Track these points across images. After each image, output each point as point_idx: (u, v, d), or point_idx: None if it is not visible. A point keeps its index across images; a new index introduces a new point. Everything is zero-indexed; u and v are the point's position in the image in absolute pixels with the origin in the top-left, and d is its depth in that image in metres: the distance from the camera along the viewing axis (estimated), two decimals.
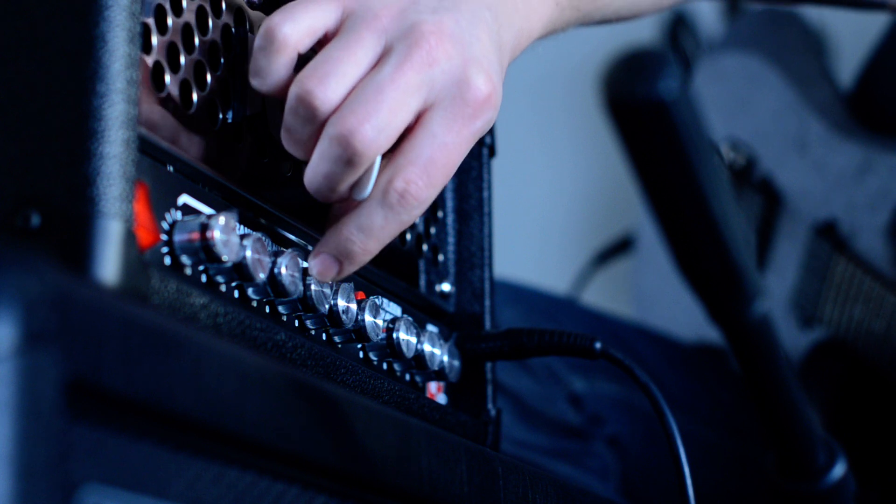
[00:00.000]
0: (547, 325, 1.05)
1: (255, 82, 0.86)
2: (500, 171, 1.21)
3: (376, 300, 0.96)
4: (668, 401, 1.00)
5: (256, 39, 0.86)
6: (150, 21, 0.81)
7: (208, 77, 0.85)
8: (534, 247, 2.65)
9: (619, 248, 2.36)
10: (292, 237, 0.92)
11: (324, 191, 0.86)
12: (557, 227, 2.62)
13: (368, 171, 0.86)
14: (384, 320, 0.97)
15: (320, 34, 0.87)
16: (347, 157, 0.84)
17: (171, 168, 0.81)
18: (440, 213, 1.12)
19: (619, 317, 2.02)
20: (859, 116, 1.91)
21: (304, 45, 0.86)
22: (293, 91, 0.85)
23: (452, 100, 0.87)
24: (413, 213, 0.87)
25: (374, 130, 0.83)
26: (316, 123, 0.85)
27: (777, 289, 1.89)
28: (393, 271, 1.04)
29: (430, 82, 0.86)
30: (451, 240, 1.13)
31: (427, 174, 0.86)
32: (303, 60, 0.86)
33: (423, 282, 1.09)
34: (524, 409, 1.70)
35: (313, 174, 0.85)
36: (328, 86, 0.84)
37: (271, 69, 0.86)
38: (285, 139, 0.86)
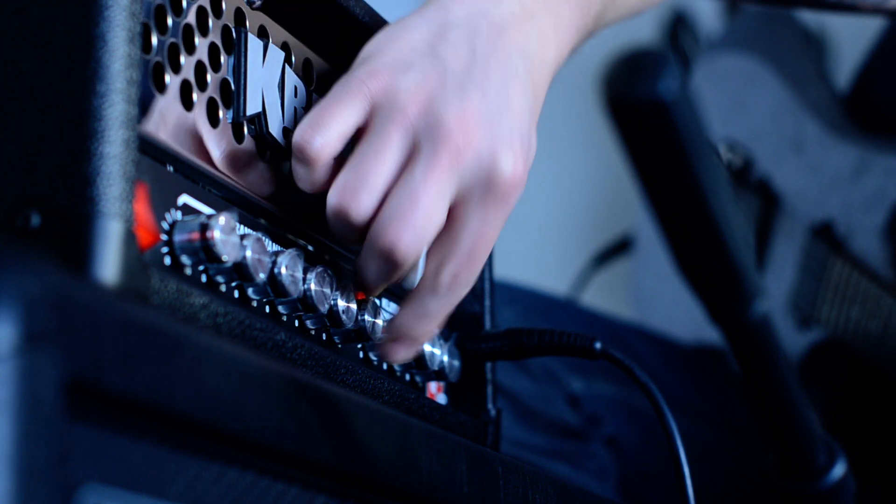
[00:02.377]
0: (544, 325, 1.05)
1: (299, 185, 0.91)
2: None
3: (376, 300, 0.96)
4: (667, 401, 1.00)
5: (293, 149, 0.89)
6: (150, 21, 0.81)
7: (208, 77, 0.85)
8: (533, 247, 2.65)
9: (618, 248, 2.35)
10: (292, 237, 0.92)
11: (373, 286, 0.91)
12: (557, 226, 2.62)
13: (414, 265, 0.91)
14: (384, 320, 0.97)
15: (351, 134, 0.90)
16: (391, 266, 0.89)
17: (171, 168, 0.81)
18: None
19: (617, 317, 2.02)
20: (856, 117, 1.92)
21: (336, 149, 0.89)
22: (330, 203, 0.89)
23: (483, 189, 0.90)
24: (462, 293, 0.92)
25: (412, 238, 0.88)
26: (357, 229, 0.89)
27: (775, 289, 1.90)
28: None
29: (460, 177, 0.89)
30: None
31: (469, 262, 0.91)
32: (338, 159, 0.89)
33: None
34: (523, 410, 1.70)
35: (362, 273, 0.91)
36: (361, 200, 0.88)
37: (311, 178, 0.90)
38: (332, 232, 0.91)
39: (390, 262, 0.89)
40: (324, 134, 0.88)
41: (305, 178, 0.90)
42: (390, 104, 0.89)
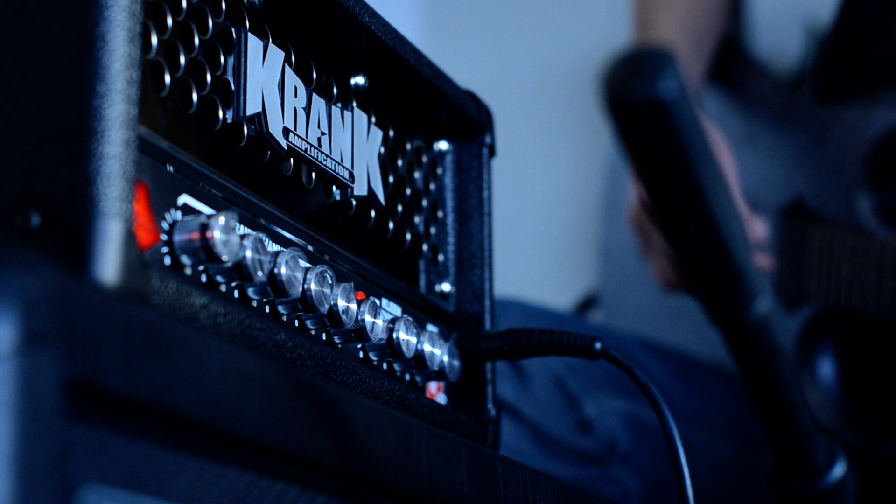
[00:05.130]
0: None
1: None
2: (499, 171, 1.21)
3: (376, 300, 0.96)
4: (677, 413, 1.01)
5: None
6: (150, 21, 0.81)
7: (208, 77, 0.85)
8: (532, 246, 2.65)
9: (587, 305, 2.34)
10: (292, 237, 0.92)
11: None
12: (556, 226, 2.62)
13: None
14: (384, 320, 0.97)
15: None
16: None
17: (171, 168, 0.81)
18: (440, 213, 1.12)
19: (623, 330, 2.02)
20: (816, 93, 1.94)
21: None
22: None
23: None
24: None
25: None
26: None
27: None
28: (393, 271, 1.05)
29: None
30: (451, 240, 1.13)
31: None
32: None
33: (423, 282, 1.10)
34: (544, 439, 1.70)
35: None
36: None
37: None
38: None
39: None
40: None
41: None
42: None
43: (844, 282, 1.78)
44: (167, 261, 0.79)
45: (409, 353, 0.99)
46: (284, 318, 0.90)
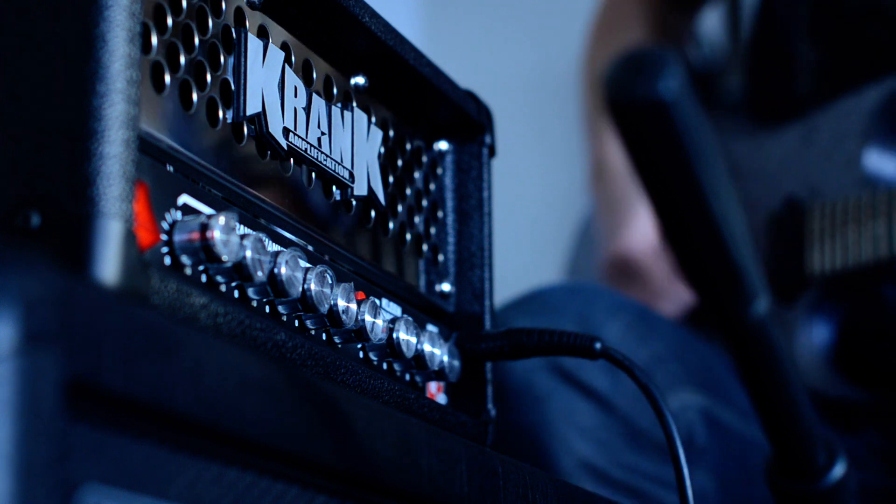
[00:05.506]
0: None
1: None
2: (499, 171, 1.21)
3: (376, 300, 0.96)
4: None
5: None
6: (150, 21, 0.81)
7: (208, 77, 0.85)
8: (532, 246, 2.65)
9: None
10: (292, 237, 0.92)
11: None
12: (557, 226, 2.62)
13: None
14: (384, 320, 0.97)
15: None
16: None
17: (171, 168, 0.81)
18: (440, 213, 1.12)
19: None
20: (753, 113, 1.94)
21: None
22: None
23: None
24: None
25: None
26: None
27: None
28: (393, 271, 1.05)
29: None
30: (451, 240, 1.13)
31: None
32: None
33: (423, 282, 1.09)
34: (635, 433, 1.68)
35: None
36: None
37: None
38: None
39: None
40: None
41: None
42: None
43: (851, 243, 1.75)
44: (167, 261, 0.79)
45: (409, 353, 0.99)
46: (284, 318, 0.90)
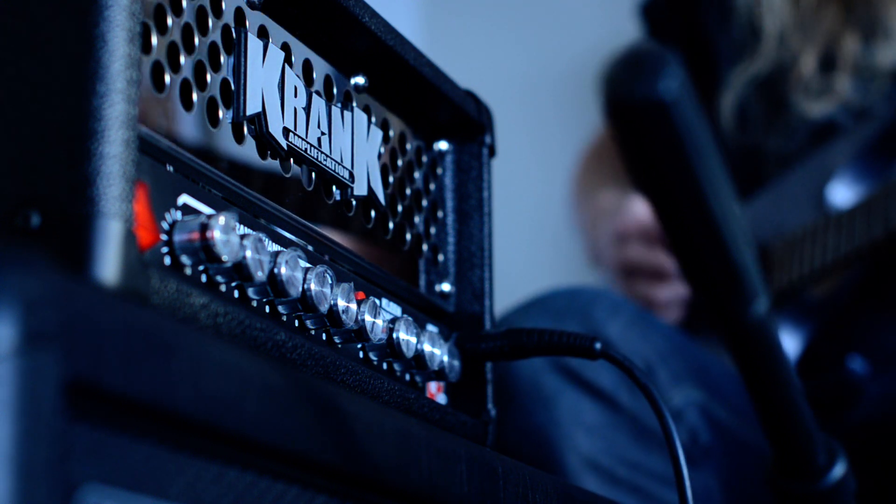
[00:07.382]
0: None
1: None
2: (499, 171, 1.21)
3: (376, 300, 0.96)
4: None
5: None
6: (150, 21, 0.81)
7: (208, 77, 0.85)
8: (532, 247, 2.65)
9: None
10: (292, 237, 0.92)
11: None
12: (557, 226, 2.62)
13: None
14: (384, 320, 0.97)
15: None
16: None
17: (171, 168, 0.81)
18: (440, 213, 1.12)
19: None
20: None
21: None
22: None
23: None
24: None
25: None
26: None
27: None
28: (393, 271, 1.05)
29: None
30: (451, 240, 1.13)
31: None
32: None
33: (423, 282, 1.10)
34: (641, 431, 1.67)
35: None
36: None
37: None
38: None
39: None
40: None
41: None
42: None
43: (805, 255, 1.81)
44: (167, 261, 0.79)
45: (409, 353, 0.99)
46: (284, 318, 0.90)
